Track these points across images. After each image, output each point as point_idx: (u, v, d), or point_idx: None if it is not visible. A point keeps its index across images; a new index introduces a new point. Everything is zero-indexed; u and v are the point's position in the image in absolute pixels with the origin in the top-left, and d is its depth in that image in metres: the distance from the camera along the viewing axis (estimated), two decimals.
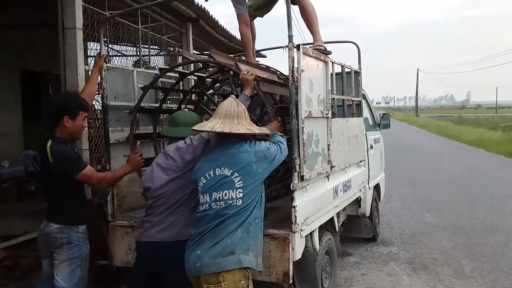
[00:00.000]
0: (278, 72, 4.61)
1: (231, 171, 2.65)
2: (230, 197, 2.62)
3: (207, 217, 2.63)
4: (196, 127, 2.81)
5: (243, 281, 2.57)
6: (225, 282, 2.52)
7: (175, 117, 3.32)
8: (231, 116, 2.74)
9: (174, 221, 2.99)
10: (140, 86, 4.25)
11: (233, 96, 2.92)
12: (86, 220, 3.28)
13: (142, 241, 3.08)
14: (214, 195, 2.65)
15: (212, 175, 2.69)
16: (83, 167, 3.14)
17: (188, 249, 2.67)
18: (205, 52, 11.10)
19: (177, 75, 4.79)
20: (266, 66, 4.63)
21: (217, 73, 4.30)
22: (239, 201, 2.62)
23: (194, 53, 8.74)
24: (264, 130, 2.88)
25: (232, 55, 10.11)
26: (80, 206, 3.27)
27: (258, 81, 3.51)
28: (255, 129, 2.78)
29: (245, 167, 2.66)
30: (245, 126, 2.74)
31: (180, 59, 8.55)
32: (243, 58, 6.30)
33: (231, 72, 3.68)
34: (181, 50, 8.45)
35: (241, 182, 2.63)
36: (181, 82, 4.50)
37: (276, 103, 4.20)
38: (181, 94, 5.28)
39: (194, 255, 2.61)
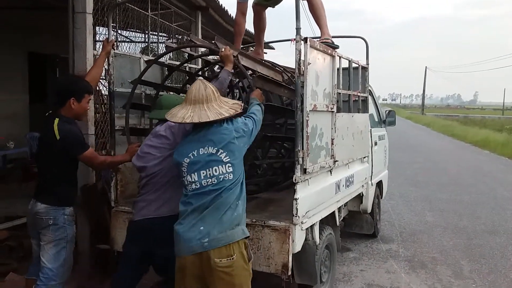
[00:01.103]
0: (283, 70, 4.59)
1: (216, 148, 2.71)
2: (221, 172, 2.69)
3: (201, 194, 2.68)
4: (167, 116, 2.84)
5: (245, 250, 2.69)
6: (235, 255, 2.61)
7: (160, 100, 3.42)
8: (200, 101, 2.77)
9: (170, 197, 3.05)
10: (145, 59, 4.32)
11: (200, 78, 2.96)
12: (73, 202, 3.30)
13: (137, 219, 3.12)
14: (203, 173, 2.69)
15: (196, 155, 2.73)
16: (87, 148, 3.22)
17: (183, 226, 2.68)
18: (212, 41, 11.07)
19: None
20: (272, 63, 4.59)
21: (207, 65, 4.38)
22: (230, 175, 2.69)
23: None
24: (236, 107, 2.86)
25: (241, 46, 10.10)
26: (69, 189, 3.30)
27: (237, 56, 3.55)
28: (225, 112, 2.77)
29: (228, 144, 2.73)
30: (216, 110, 2.76)
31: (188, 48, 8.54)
32: (251, 49, 6.29)
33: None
34: (189, 38, 8.43)
35: (227, 157, 2.70)
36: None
37: (269, 100, 4.24)
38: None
39: (196, 231, 2.63)
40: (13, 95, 9.05)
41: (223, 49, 3.40)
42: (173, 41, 8.98)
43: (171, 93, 3.65)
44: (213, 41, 3.65)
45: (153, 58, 4.66)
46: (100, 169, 3.76)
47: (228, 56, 3.40)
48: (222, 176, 2.69)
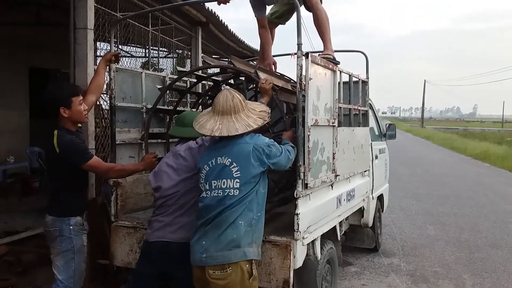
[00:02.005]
0: (291, 81, 4.61)
1: (229, 160, 2.70)
2: (228, 186, 2.67)
3: (207, 206, 2.69)
4: (196, 128, 2.82)
5: (247, 266, 2.65)
6: (230, 268, 2.60)
7: (183, 117, 3.34)
8: (228, 112, 2.76)
9: (187, 223, 2.98)
10: (158, 87, 4.31)
11: (228, 87, 2.89)
12: (79, 213, 3.25)
13: (152, 240, 3.04)
14: (214, 183, 2.70)
15: (214, 164, 2.74)
16: (90, 157, 3.15)
17: (193, 238, 2.72)
18: (222, 59, 11.15)
19: (187, 79, 4.83)
20: (281, 74, 4.62)
21: (230, 78, 4.36)
22: (236, 191, 2.66)
23: (202, 56, 8.76)
24: (263, 116, 2.84)
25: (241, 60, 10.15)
26: (75, 199, 3.25)
27: (276, 90, 3.54)
28: (252, 123, 2.76)
29: (243, 158, 2.69)
30: (244, 121, 2.75)
31: (188, 62, 8.59)
32: (253, 63, 6.32)
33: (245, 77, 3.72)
34: (189, 53, 8.49)
35: (238, 172, 2.67)
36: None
37: (292, 112, 4.20)
38: (191, 97, 5.32)
39: (200, 245, 2.66)
40: (13, 110, 9.08)
41: (264, 81, 3.31)
42: (174, 55, 9.05)
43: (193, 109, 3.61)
44: (253, 67, 3.55)
45: (154, 72, 4.70)
46: (109, 178, 3.66)
47: (268, 90, 3.33)
48: (228, 191, 2.66)
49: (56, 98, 3.17)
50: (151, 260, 3.03)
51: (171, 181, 3.05)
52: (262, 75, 3.52)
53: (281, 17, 4.52)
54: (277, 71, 4.73)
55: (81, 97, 3.22)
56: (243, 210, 2.66)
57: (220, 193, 2.67)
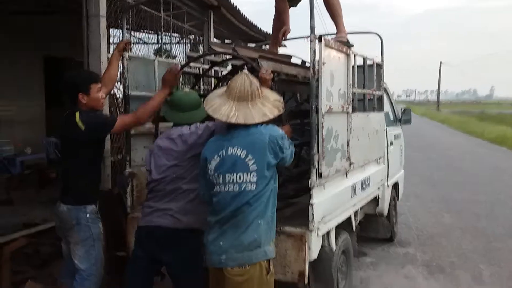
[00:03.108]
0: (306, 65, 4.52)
1: (245, 152, 2.54)
2: (244, 180, 2.52)
3: (221, 202, 2.57)
4: (209, 111, 2.66)
5: (265, 262, 2.59)
6: (249, 265, 2.54)
7: (180, 101, 3.18)
8: (245, 98, 2.62)
9: (173, 209, 2.99)
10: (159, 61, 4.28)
11: (246, 72, 2.75)
12: (95, 201, 3.28)
13: (141, 225, 3.10)
14: (228, 176, 2.55)
15: (224, 154, 2.58)
16: (115, 120, 3.18)
17: (208, 238, 2.63)
18: (228, 43, 11.05)
19: (199, 65, 4.79)
20: (302, 60, 4.51)
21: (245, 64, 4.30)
22: (253, 185, 2.52)
23: (215, 41, 8.70)
24: (278, 105, 2.72)
25: (253, 44, 10.05)
26: (91, 187, 3.27)
27: (275, 81, 3.42)
28: (268, 112, 2.64)
29: (259, 149, 2.55)
30: (260, 109, 2.62)
31: (201, 47, 8.53)
32: (265, 47, 6.23)
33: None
34: (202, 38, 8.42)
35: (254, 165, 2.52)
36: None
37: (297, 103, 4.13)
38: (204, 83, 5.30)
39: (217, 246, 2.57)
40: (29, 101, 9.10)
41: (264, 71, 3.09)
42: (186, 41, 8.99)
43: (187, 89, 3.38)
44: (256, 58, 3.38)
45: (167, 60, 4.66)
46: (145, 122, 3.55)
47: (267, 80, 3.12)
48: (244, 185, 2.52)
49: (75, 83, 3.20)
50: (141, 244, 3.07)
51: (160, 166, 3.02)
52: (265, 64, 3.38)
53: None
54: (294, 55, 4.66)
55: (99, 85, 3.24)
56: (262, 208, 2.55)
57: (236, 188, 2.53)
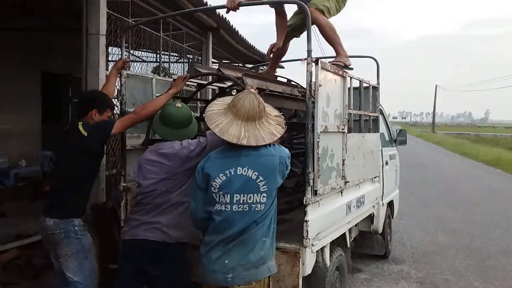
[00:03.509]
0: (298, 85, 4.61)
1: (256, 173, 2.51)
2: (254, 201, 2.50)
3: (228, 221, 2.51)
4: (216, 132, 2.56)
5: (267, 278, 2.61)
6: (255, 282, 2.55)
7: (172, 117, 3.18)
8: (253, 118, 2.57)
9: (162, 223, 3.01)
10: (156, 95, 4.29)
11: (252, 91, 2.69)
12: (81, 215, 3.29)
13: (127, 238, 3.10)
14: (237, 197, 2.50)
15: (233, 174, 2.52)
16: (114, 122, 3.29)
17: (211, 256, 2.57)
18: (232, 64, 11.19)
19: (198, 81, 4.86)
20: (287, 79, 4.62)
21: (236, 84, 4.35)
22: (262, 206, 2.52)
23: (213, 61, 8.81)
24: (280, 122, 2.71)
25: (251, 65, 10.19)
26: (79, 201, 3.29)
27: (261, 95, 3.47)
28: (275, 131, 2.62)
29: (270, 171, 2.54)
30: (267, 129, 2.59)
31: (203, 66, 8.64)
32: (262, 69, 6.33)
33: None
34: (200, 58, 8.53)
35: (265, 186, 2.51)
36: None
37: (285, 118, 4.19)
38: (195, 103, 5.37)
39: (222, 264, 2.53)
40: (26, 114, 9.16)
41: (249, 87, 2.96)
42: (185, 60, 9.10)
43: (179, 104, 3.37)
44: (241, 76, 3.45)
45: (164, 78, 4.73)
46: (145, 119, 3.50)
47: None
48: (254, 206, 2.51)
49: (96, 100, 3.40)
50: (128, 257, 3.09)
51: (150, 179, 3.04)
52: (249, 81, 3.42)
53: (296, 30, 4.51)
54: (285, 76, 4.75)
55: (110, 113, 3.43)
56: (267, 226, 2.56)
57: (246, 208, 2.50)
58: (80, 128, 3.19)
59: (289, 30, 4.49)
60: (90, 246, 3.28)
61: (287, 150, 2.70)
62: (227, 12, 3.87)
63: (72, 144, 3.23)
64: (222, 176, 2.53)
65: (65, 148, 3.30)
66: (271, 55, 4.63)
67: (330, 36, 4.12)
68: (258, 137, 2.55)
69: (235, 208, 2.51)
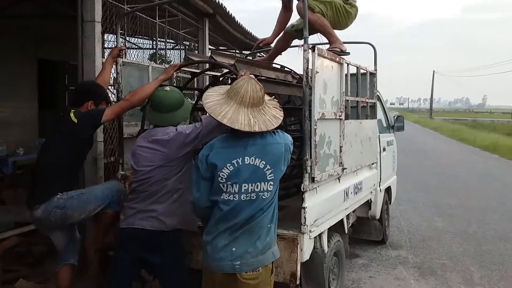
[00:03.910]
0: (292, 72, 4.59)
1: (263, 162, 2.51)
2: (261, 189, 2.52)
3: (235, 210, 2.51)
4: (224, 122, 2.49)
5: (271, 264, 2.65)
6: (261, 268, 2.58)
7: (160, 102, 3.12)
8: (257, 104, 2.55)
9: (158, 211, 2.99)
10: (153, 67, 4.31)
11: (252, 76, 2.66)
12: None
13: (123, 227, 3.09)
14: (245, 186, 2.50)
15: (240, 163, 2.50)
16: (103, 110, 3.30)
17: (214, 244, 2.57)
18: (229, 50, 11.14)
19: (192, 70, 4.84)
20: (281, 66, 4.61)
21: (229, 72, 4.34)
22: (268, 193, 2.54)
23: (209, 48, 8.76)
24: (277, 105, 2.69)
25: (248, 52, 10.14)
26: (61, 186, 3.26)
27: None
28: (277, 114, 2.61)
29: (277, 160, 2.55)
30: (271, 113, 2.58)
31: (196, 53, 8.59)
32: (259, 55, 6.30)
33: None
34: (197, 45, 8.48)
35: (272, 175, 2.53)
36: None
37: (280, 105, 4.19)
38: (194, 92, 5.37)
39: (229, 252, 2.54)
40: (22, 102, 9.14)
41: (242, 73, 2.95)
42: (181, 47, 9.05)
43: (168, 88, 3.25)
44: (233, 63, 3.43)
45: (160, 66, 4.71)
46: (136, 105, 3.49)
47: None
48: (261, 194, 2.52)
49: (92, 91, 3.45)
50: (123, 246, 3.07)
51: (145, 166, 3.00)
52: (240, 68, 3.33)
53: (299, 32, 4.45)
54: (278, 63, 4.74)
55: (105, 106, 3.46)
56: (271, 212, 2.60)
57: (253, 197, 2.51)
58: (71, 115, 3.23)
59: (293, 29, 4.45)
60: (77, 197, 3.26)
61: (290, 137, 2.70)
62: None
63: (62, 130, 3.27)
64: (229, 166, 2.51)
65: (55, 134, 3.33)
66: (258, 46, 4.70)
67: (321, 29, 4.09)
68: (266, 121, 2.53)
69: (243, 197, 2.51)
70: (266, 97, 2.71)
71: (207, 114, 2.64)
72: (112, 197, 3.34)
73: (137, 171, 3.07)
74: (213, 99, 2.62)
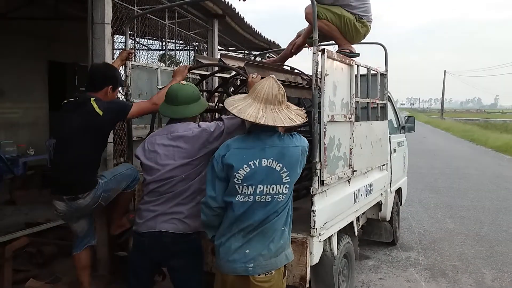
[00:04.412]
0: (302, 73, 4.57)
1: (280, 165, 2.49)
2: (277, 192, 2.50)
3: (250, 212, 2.50)
4: (234, 112, 2.51)
5: (283, 267, 2.63)
6: (274, 271, 2.56)
7: (174, 93, 2.98)
8: (272, 102, 2.52)
9: (184, 213, 2.84)
10: (159, 87, 4.27)
11: (273, 76, 2.65)
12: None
13: (143, 231, 2.87)
14: (260, 188, 2.48)
15: (257, 165, 2.48)
16: (131, 105, 3.36)
17: (227, 246, 2.55)
18: (238, 51, 11.12)
19: (201, 72, 4.83)
20: (291, 67, 4.58)
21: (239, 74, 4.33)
22: (283, 196, 2.53)
23: (219, 49, 8.76)
24: (301, 114, 2.63)
25: (257, 53, 10.11)
26: (94, 170, 3.38)
27: None
28: (295, 118, 2.56)
29: (293, 163, 2.53)
30: (286, 114, 2.54)
31: (205, 55, 8.59)
32: (268, 56, 6.28)
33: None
34: (206, 46, 8.48)
35: (288, 177, 2.51)
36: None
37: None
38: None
39: (242, 254, 2.52)
40: (33, 103, 9.23)
41: (254, 76, 2.97)
42: (190, 48, 9.05)
43: (184, 82, 3.20)
44: (243, 66, 3.40)
45: (169, 68, 4.71)
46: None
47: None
48: (276, 196, 2.51)
49: (112, 77, 3.42)
50: (143, 252, 2.90)
51: (167, 165, 2.82)
52: (250, 71, 3.29)
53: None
54: (287, 65, 4.72)
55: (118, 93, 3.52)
56: (286, 215, 2.58)
57: (268, 199, 2.50)
58: (94, 105, 3.16)
59: (310, 40, 4.46)
60: (114, 179, 3.43)
61: (306, 141, 2.67)
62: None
63: (85, 123, 3.19)
64: (246, 167, 2.49)
65: (76, 126, 3.22)
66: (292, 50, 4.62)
67: (329, 34, 4.07)
68: (276, 119, 2.49)
69: (258, 199, 2.50)
70: (294, 106, 2.69)
71: (226, 114, 2.65)
72: (135, 176, 3.51)
73: (155, 170, 2.86)
74: (235, 97, 2.71)
